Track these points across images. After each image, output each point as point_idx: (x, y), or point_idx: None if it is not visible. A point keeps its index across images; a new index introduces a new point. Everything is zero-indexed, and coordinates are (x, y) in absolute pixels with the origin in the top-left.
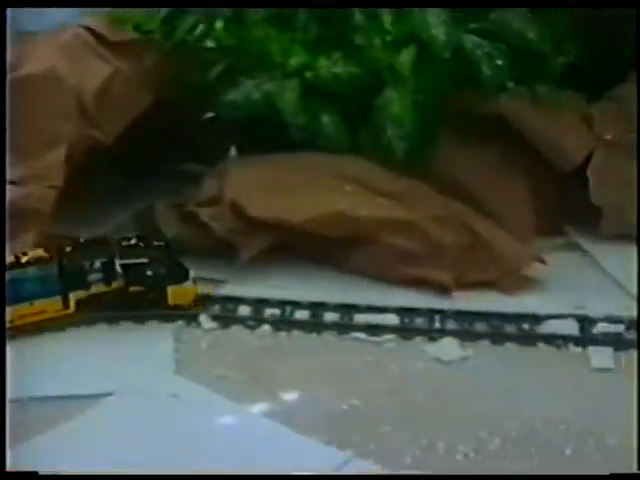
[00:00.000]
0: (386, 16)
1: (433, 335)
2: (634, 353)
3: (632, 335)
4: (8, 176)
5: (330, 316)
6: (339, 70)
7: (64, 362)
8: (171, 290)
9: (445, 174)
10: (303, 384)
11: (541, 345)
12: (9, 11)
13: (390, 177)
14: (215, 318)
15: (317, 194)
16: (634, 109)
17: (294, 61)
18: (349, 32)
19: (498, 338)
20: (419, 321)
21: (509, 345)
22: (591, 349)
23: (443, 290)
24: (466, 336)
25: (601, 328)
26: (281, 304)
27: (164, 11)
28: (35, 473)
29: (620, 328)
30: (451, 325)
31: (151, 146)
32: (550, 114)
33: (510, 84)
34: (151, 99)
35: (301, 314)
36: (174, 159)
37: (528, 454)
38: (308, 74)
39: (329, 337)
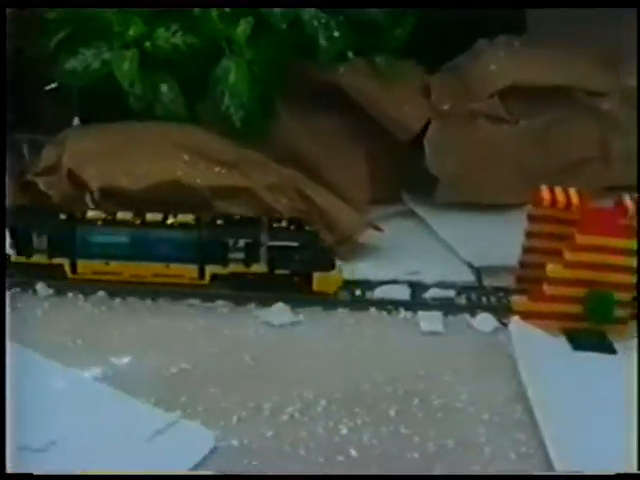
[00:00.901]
0: None
1: (266, 301)
2: (464, 317)
3: (462, 300)
4: None
5: None
6: (177, 41)
7: None
8: (317, 277)
9: (283, 143)
10: (136, 349)
11: (372, 310)
12: None
13: (228, 146)
14: (50, 285)
15: (155, 162)
16: (472, 80)
17: (133, 31)
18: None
19: (330, 303)
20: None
21: (341, 310)
22: (421, 314)
23: None
24: (298, 302)
25: (432, 293)
26: None
27: None
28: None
29: (451, 293)
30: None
31: None
32: (388, 84)
33: (350, 55)
34: None
35: None
36: (21, 131)
37: (353, 414)
38: (147, 44)
39: (163, 303)
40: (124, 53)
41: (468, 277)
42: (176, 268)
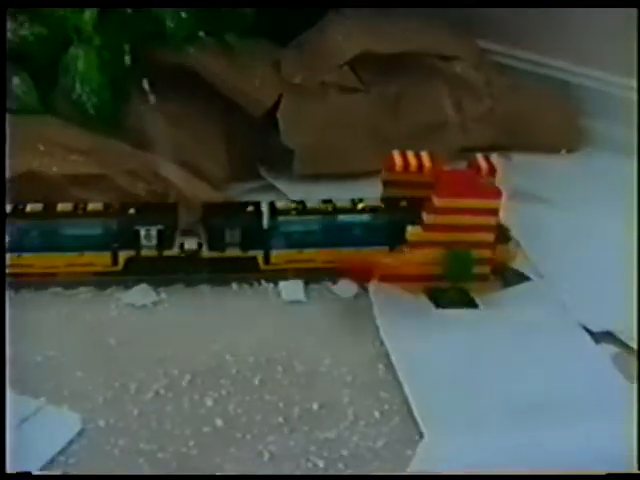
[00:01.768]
0: None
1: (128, 283)
2: (325, 284)
3: None
4: None
5: None
6: (25, 32)
7: None
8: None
9: (139, 128)
10: None
11: (234, 285)
12: None
13: (83, 134)
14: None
15: (10, 156)
16: (321, 51)
17: None
18: None
19: (192, 281)
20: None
21: (202, 287)
22: (282, 283)
23: None
24: (160, 281)
25: None
26: None
27: None
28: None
29: None
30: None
31: None
32: (239, 63)
33: (201, 35)
34: None
35: None
36: None
37: (217, 386)
38: None
39: (26, 294)
40: None
41: None
42: (366, 252)
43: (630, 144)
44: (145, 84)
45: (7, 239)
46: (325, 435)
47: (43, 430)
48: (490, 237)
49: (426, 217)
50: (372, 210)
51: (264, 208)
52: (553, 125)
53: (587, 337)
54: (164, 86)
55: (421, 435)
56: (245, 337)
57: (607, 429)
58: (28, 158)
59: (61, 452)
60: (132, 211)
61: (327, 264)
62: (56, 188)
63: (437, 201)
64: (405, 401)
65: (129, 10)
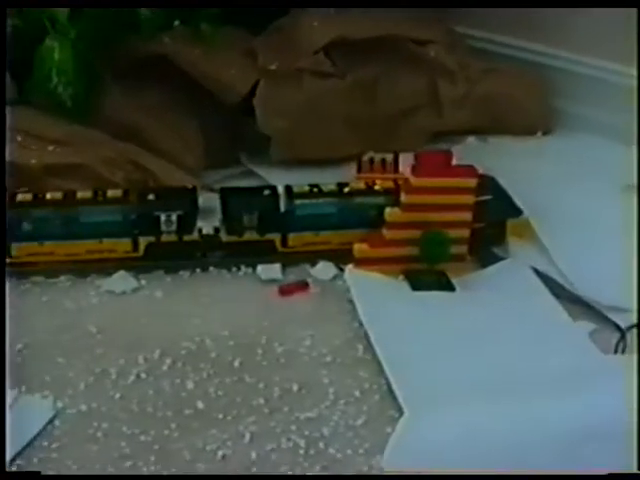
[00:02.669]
0: None
1: (107, 270)
2: (304, 266)
3: None
4: None
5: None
6: None
7: None
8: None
9: (116, 118)
10: None
11: (213, 270)
12: None
13: (60, 125)
14: None
15: None
16: (296, 38)
17: None
18: None
19: (172, 267)
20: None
21: (182, 273)
22: (260, 267)
23: None
24: (140, 268)
25: None
26: None
27: None
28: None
29: None
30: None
31: None
32: (213, 51)
33: (176, 24)
34: None
35: None
36: None
37: (198, 369)
38: None
39: (7, 282)
40: None
41: None
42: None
43: (605, 125)
44: None
45: (28, 227)
46: (305, 415)
47: (17, 420)
48: (467, 216)
49: (404, 197)
50: (387, 192)
51: (281, 191)
52: (528, 108)
53: (564, 315)
54: (140, 75)
55: (401, 412)
56: (225, 321)
57: (585, 402)
58: (7, 150)
59: (44, 437)
60: (151, 197)
61: (343, 246)
62: (35, 179)
63: (414, 181)
64: (384, 380)
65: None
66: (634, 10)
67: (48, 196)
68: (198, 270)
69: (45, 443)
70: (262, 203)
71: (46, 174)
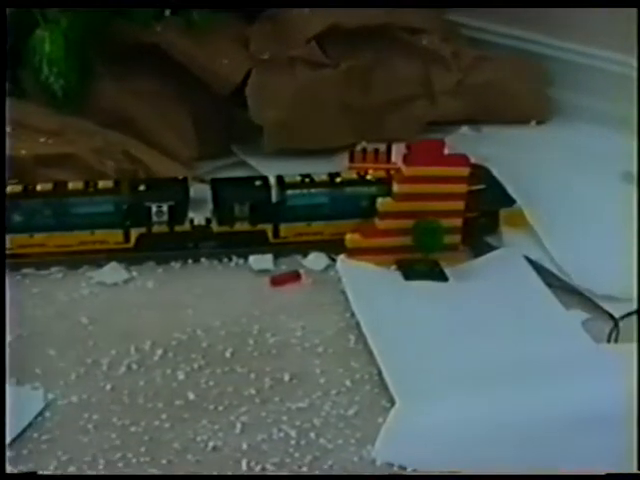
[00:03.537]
0: None
1: (99, 262)
2: (296, 257)
3: None
4: None
5: None
6: None
7: None
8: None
9: (108, 108)
10: None
11: (204, 260)
12: None
13: (51, 115)
14: None
15: None
16: (289, 27)
17: None
18: None
19: (162, 258)
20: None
21: (174, 264)
22: (252, 258)
23: None
24: (132, 259)
25: None
26: None
27: None
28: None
29: None
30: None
31: None
32: (206, 39)
33: (167, 13)
34: None
35: None
36: None
37: (189, 360)
38: None
39: None
40: None
41: None
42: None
43: (599, 114)
44: None
45: (19, 219)
46: (297, 405)
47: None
48: (460, 205)
49: (396, 187)
50: (379, 182)
51: (272, 182)
52: (522, 97)
53: (557, 304)
54: (131, 65)
55: (392, 403)
56: (216, 312)
57: (578, 390)
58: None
59: (34, 429)
60: (142, 188)
61: (335, 236)
62: (26, 170)
63: (406, 170)
64: (376, 370)
65: None
66: None
67: (38, 187)
68: (190, 261)
69: (35, 435)
70: (254, 193)
71: (37, 165)
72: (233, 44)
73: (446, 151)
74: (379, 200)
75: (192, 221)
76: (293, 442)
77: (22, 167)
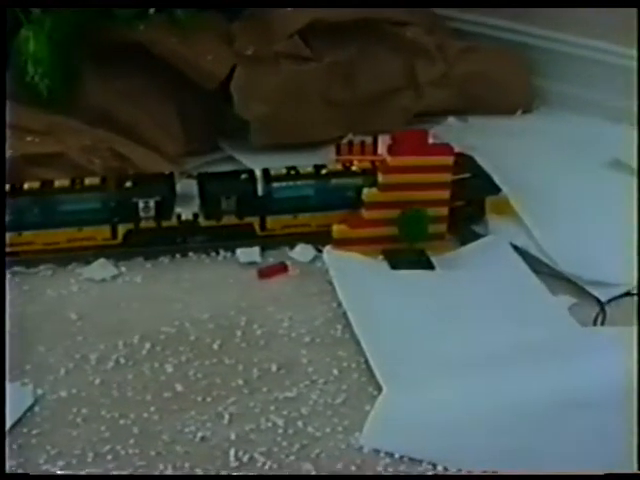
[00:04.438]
0: None
1: (88, 259)
2: (284, 249)
3: None
4: None
5: None
6: None
7: None
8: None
9: (94, 106)
10: None
11: (192, 255)
12: None
13: (37, 115)
14: None
15: None
16: (272, 22)
17: None
18: None
19: (151, 253)
20: None
21: (162, 258)
22: (239, 251)
23: None
24: (120, 255)
25: None
26: None
27: None
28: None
29: None
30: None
31: None
32: (190, 37)
33: (151, 11)
34: None
35: None
36: None
37: (177, 353)
38: None
39: None
40: None
41: None
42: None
43: (586, 102)
44: None
45: (7, 218)
46: (285, 395)
47: None
48: (445, 194)
49: (381, 177)
50: (364, 173)
51: (258, 175)
52: (508, 86)
53: (544, 290)
54: (116, 63)
55: (379, 390)
56: (204, 305)
57: (565, 374)
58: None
59: (23, 424)
60: (129, 184)
61: (322, 228)
62: (15, 170)
63: (391, 160)
64: (363, 359)
65: None
66: None
67: (26, 186)
68: (178, 255)
69: (25, 430)
70: (240, 187)
71: (24, 164)
72: (217, 40)
73: (430, 141)
74: (365, 191)
75: (179, 216)
76: (281, 431)
77: (10, 167)
